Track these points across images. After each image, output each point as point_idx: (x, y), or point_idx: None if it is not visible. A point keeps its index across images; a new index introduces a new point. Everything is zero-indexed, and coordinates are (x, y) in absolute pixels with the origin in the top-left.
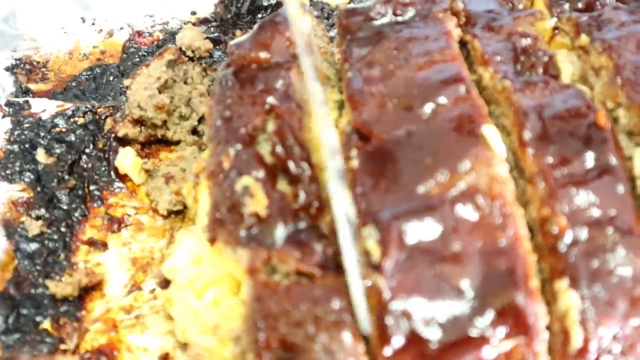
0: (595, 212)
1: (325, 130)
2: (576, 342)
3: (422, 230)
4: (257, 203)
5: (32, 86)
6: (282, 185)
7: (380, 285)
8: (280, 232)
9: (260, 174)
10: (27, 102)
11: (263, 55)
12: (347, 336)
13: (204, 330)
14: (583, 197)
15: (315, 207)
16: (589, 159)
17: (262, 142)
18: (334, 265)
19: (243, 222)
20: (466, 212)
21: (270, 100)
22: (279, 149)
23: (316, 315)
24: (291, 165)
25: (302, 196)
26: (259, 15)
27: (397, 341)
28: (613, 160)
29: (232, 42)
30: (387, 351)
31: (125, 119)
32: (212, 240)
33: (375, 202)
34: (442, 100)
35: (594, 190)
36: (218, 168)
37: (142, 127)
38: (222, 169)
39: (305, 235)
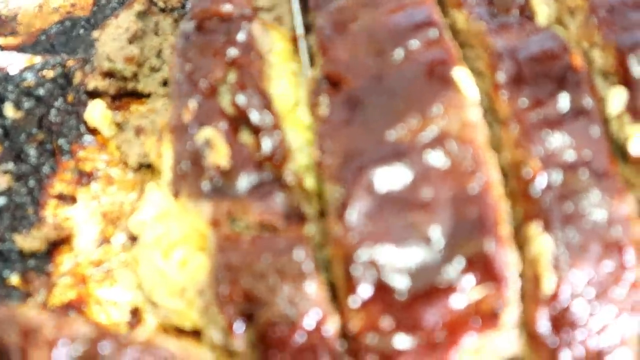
0: (570, 155)
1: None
2: (548, 286)
3: (391, 178)
4: (218, 154)
5: (1, 40)
6: (245, 136)
7: (347, 234)
8: (243, 183)
9: (222, 125)
10: None
11: (225, 8)
12: (311, 287)
13: (171, 292)
14: (557, 140)
15: (279, 157)
16: (564, 101)
17: (223, 94)
18: (298, 216)
19: (205, 174)
20: (437, 158)
21: (232, 52)
22: (240, 99)
23: (279, 267)
24: (253, 115)
25: (265, 146)
26: None
27: (364, 291)
28: (588, 101)
29: None
30: (354, 301)
31: (95, 72)
32: (176, 195)
33: (344, 149)
34: (414, 44)
35: (569, 133)
36: (179, 122)
37: (112, 80)
38: (183, 122)
39: (268, 187)
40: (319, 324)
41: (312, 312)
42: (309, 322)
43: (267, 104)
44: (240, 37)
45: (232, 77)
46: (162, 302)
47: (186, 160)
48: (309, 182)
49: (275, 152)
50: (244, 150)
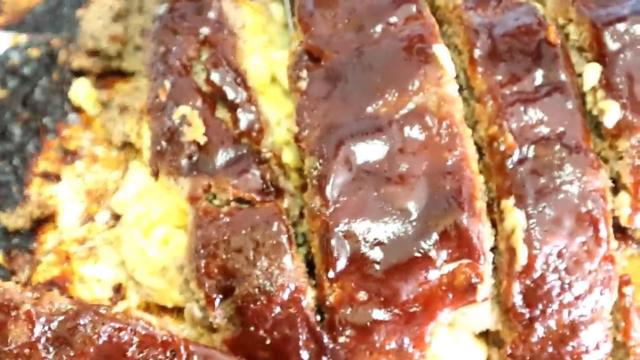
0: (544, 130)
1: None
2: (521, 260)
3: (368, 151)
4: (195, 131)
5: None
6: (221, 113)
7: (324, 207)
8: (220, 159)
9: (198, 102)
10: None
11: None
12: (287, 259)
13: (152, 272)
14: (531, 115)
15: (256, 132)
16: (539, 76)
17: (198, 72)
18: (275, 190)
19: (183, 152)
20: (414, 132)
21: (204, 30)
22: (214, 76)
23: (256, 240)
24: (228, 91)
25: (241, 121)
26: None
27: (341, 263)
28: (563, 76)
29: None
30: (331, 273)
31: (79, 50)
32: (155, 173)
33: (322, 123)
34: (393, 19)
35: (543, 108)
36: (155, 101)
37: (97, 58)
38: (160, 102)
39: (245, 162)
40: (296, 297)
41: (289, 284)
42: (286, 294)
43: (241, 79)
44: (211, 15)
45: (205, 55)
46: (144, 280)
47: (164, 139)
48: (288, 156)
49: (252, 127)
50: (221, 126)
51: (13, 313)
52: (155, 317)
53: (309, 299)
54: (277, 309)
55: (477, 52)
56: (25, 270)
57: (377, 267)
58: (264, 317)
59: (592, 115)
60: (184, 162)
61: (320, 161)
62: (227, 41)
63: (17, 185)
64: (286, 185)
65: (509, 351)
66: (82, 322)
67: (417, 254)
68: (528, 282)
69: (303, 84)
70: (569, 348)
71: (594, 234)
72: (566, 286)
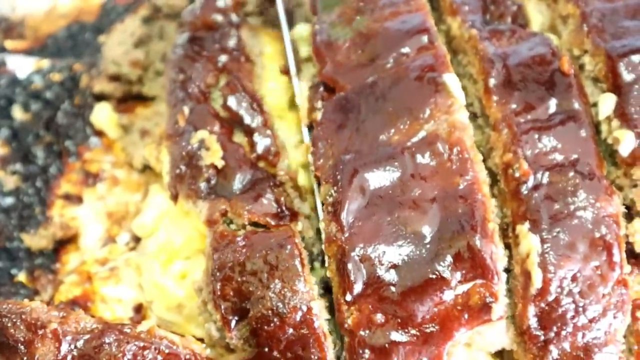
0: (558, 157)
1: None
2: (536, 283)
3: (382, 178)
4: (213, 155)
5: (9, 44)
6: (239, 137)
7: (340, 232)
8: (237, 182)
9: (216, 127)
10: (3, 59)
11: (214, 17)
12: (299, 282)
13: (169, 307)
14: (545, 142)
15: (272, 154)
16: (553, 105)
17: (215, 98)
18: (289, 213)
19: (201, 175)
20: (426, 158)
21: (222, 58)
22: (231, 102)
23: (269, 263)
24: (244, 116)
25: (258, 145)
26: None
27: (358, 286)
28: (576, 105)
29: (184, 11)
30: (349, 296)
31: (101, 75)
32: (175, 197)
33: (337, 152)
34: (406, 50)
35: (557, 135)
36: (174, 127)
37: (118, 83)
38: (179, 127)
39: (260, 186)
40: (309, 318)
41: (302, 306)
42: (298, 316)
43: (257, 104)
44: (230, 43)
45: (222, 81)
46: (161, 314)
47: (182, 163)
48: (303, 179)
49: (268, 150)
50: (239, 150)
51: (40, 332)
52: (179, 337)
53: (322, 321)
54: (290, 331)
55: (492, 81)
56: (48, 290)
57: (393, 289)
58: (278, 339)
59: (606, 143)
60: (203, 185)
61: (335, 188)
62: (244, 68)
63: (40, 206)
64: (301, 207)
65: None
66: (107, 340)
67: (432, 276)
68: (543, 304)
69: (318, 115)
70: None
71: (608, 259)
72: (580, 309)
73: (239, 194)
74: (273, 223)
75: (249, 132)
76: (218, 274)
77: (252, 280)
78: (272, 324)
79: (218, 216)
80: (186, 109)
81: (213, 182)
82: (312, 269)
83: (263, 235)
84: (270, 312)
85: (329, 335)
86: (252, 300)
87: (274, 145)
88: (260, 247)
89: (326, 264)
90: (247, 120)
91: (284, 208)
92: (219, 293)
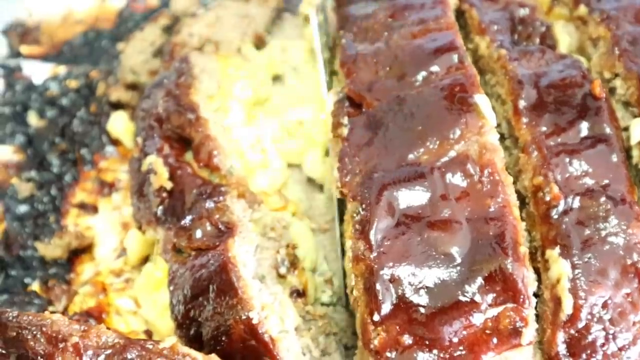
0: (589, 181)
1: None
2: (567, 309)
3: (411, 197)
4: (160, 177)
5: (25, 49)
6: (189, 155)
7: (368, 251)
8: (188, 202)
9: (165, 150)
10: (19, 64)
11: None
12: (236, 296)
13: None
14: (576, 166)
15: (211, 157)
16: (584, 128)
17: (164, 125)
18: (227, 229)
19: (155, 200)
20: (456, 179)
21: (170, 85)
22: (174, 119)
23: (210, 283)
24: (185, 127)
25: (202, 156)
26: None
27: (386, 307)
28: (607, 129)
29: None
30: (376, 316)
31: (118, 84)
32: (139, 227)
33: (364, 169)
34: (435, 68)
35: (588, 159)
36: (133, 160)
37: (135, 92)
38: (133, 159)
39: (201, 205)
40: (253, 329)
41: (243, 318)
42: (242, 329)
43: (194, 113)
44: (176, 65)
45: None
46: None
47: (138, 193)
48: (263, 181)
49: (208, 154)
50: (186, 168)
51: (61, 345)
52: (202, 354)
53: (268, 327)
54: (240, 345)
55: (522, 103)
56: (62, 300)
57: (422, 310)
58: (232, 356)
59: (637, 169)
60: (159, 210)
61: (363, 206)
62: (183, 85)
63: (55, 215)
64: (253, 214)
65: None
66: (129, 356)
67: (462, 298)
68: (572, 331)
69: (344, 130)
70: None
71: (639, 286)
72: (610, 337)
73: (182, 222)
74: (212, 244)
75: (196, 148)
76: (174, 300)
77: (199, 303)
78: (222, 343)
79: (169, 248)
80: (139, 140)
81: (166, 203)
82: (281, 276)
83: (203, 258)
84: (216, 331)
85: (281, 339)
86: (202, 323)
87: (208, 147)
88: (201, 270)
89: (292, 270)
90: (187, 131)
91: (220, 227)
92: (177, 319)
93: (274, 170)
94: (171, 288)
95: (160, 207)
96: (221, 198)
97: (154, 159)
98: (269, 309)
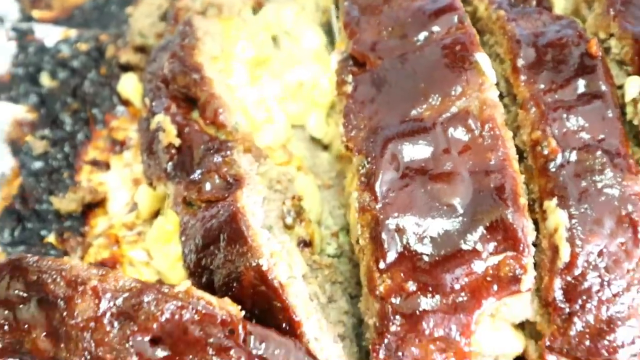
0: (585, 136)
1: None
2: (564, 257)
3: (414, 151)
4: (168, 135)
5: (36, 13)
6: (195, 114)
7: (374, 201)
8: (196, 157)
9: (173, 109)
10: (31, 28)
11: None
12: (246, 244)
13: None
14: (573, 121)
15: (217, 115)
16: (580, 86)
17: (170, 85)
18: (234, 181)
19: (165, 157)
20: (458, 133)
21: (176, 47)
22: (180, 79)
23: (221, 233)
24: (191, 87)
25: (206, 111)
26: None
27: (391, 255)
28: (603, 87)
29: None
30: (382, 264)
31: (127, 46)
32: (151, 183)
33: (369, 124)
34: (436, 28)
35: (584, 115)
36: (142, 120)
37: (144, 54)
38: (142, 119)
39: (210, 160)
40: (262, 275)
41: (253, 265)
42: (252, 276)
43: (198, 74)
44: (180, 27)
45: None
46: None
47: (148, 150)
48: (268, 137)
49: (214, 112)
50: (194, 125)
51: (80, 288)
52: (216, 298)
53: (276, 273)
54: (250, 290)
55: (520, 61)
56: (77, 252)
57: (426, 259)
58: (244, 301)
59: (631, 124)
60: (169, 166)
61: (368, 159)
62: (187, 47)
63: (68, 171)
64: (260, 167)
65: (547, 343)
66: (146, 299)
67: (465, 247)
68: (569, 278)
69: (349, 88)
70: (606, 342)
71: (633, 236)
72: (605, 284)
73: (192, 176)
74: (222, 195)
75: (201, 107)
76: (186, 249)
77: (211, 252)
78: (233, 289)
79: (180, 201)
80: (147, 101)
81: (175, 159)
82: (288, 227)
83: (213, 209)
84: (227, 278)
85: (289, 285)
86: (214, 270)
87: (213, 104)
88: (211, 220)
89: (298, 221)
90: (193, 90)
91: (229, 180)
92: (189, 268)
93: (278, 126)
94: (183, 239)
95: (170, 163)
96: (228, 152)
97: (162, 118)
98: (278, 256)
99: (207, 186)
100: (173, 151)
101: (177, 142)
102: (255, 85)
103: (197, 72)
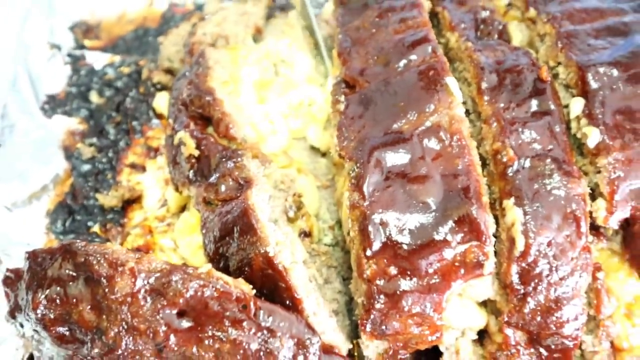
0: (537, 146)
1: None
2: (519, 247)
3: (396, 157)
4: (189, 148)
5: (87, 42)
6: (210, 129)
7: (362, 200)
8: (213, 164)
9: (191, 126)
10: (83, 54)
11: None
12: (256, 234)
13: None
14: (527, 134)
15: (228, 129)
16: (533, 105)
17: (189, 107)
18: (245, 182)
19: (186, 165)
20: (431, 143)
21: (192, 76)
22: (196, 101)
23: (235, 225)
24: (205, 107)
25: (221, 129)
26: None
27: (376, 244)
28: (552, 106)
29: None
30: (369, 252)
31: (158, 69)
32: (177, 188)
33: (358, 136)
34: (413, 57)
35: (536, 129)
36: (167, 137)
37: (172, 76)
38: (168, 136)
39: (224, 166)
40: (269, 260)
41: (262, 252)
42: (261, 261)
43: (211, 96)
44: (199, 63)
45: (189, 91)
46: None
47: (173, 161)
48: (274, 145)
49: (226, 127)
50: (209, 139)
51: (120, 269)
52: (232, 278)
53: (281, 258)
54: (259, 274)
55: (484, 84)
56: (117, 240)
57: (405, 247)
58: (254, 282)
59: (575, 137)
60: (191, 173)
61: (358, 165)
62: (201, 74)
63: (111, 172)
64: (265, 170)
65: (506, 319)
66: (174, 278)
67: (437, 237)
68: (524, 264)
69: (341, 106)
70: (554, 318)
71: (576, 229)
72: (553, 269)
73: (209, 180)
74: (235, 195)
75: (216, 123)
76: (206, 241)
77: (226, 242)
78: (245, 272)
79: (201, 201)
80: (171, 120)
81: (196, 167)
82: (291, 220)
83: (228, 206)
84: (240, 263)
85: (292, 269)
86: (229, 258)
87: (225, 121)
88: (227, 216)
89: (300, 215)
90: (207, 110)
91: (240, 182)
92: (209, 256)
93: (280, 136)
94: (204, 231)
95: (191, 171)
96: (239, 159)
97: (183, 134)
98: (282, 244)
99: (223, 188)
100: (193, 160)
101: (196, 152)
102: (262, 104)
103: (209, 95)
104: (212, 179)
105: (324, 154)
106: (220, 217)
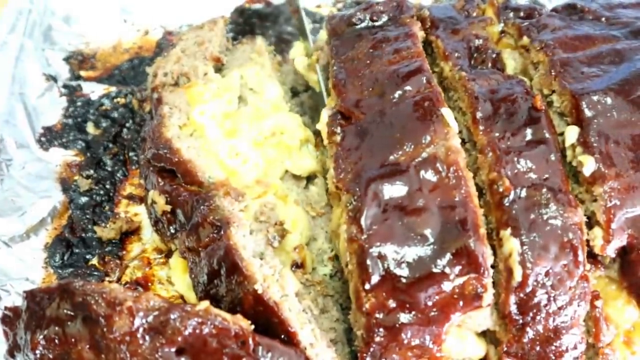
0: (533, 176)
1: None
2: (517, 277)
3: (393, 190)
4: (160, 205)
5: (83, 73)
6: (179, 179)
7: (360, 233)
8: (188, 214)
9: (160, 182)
10: (79, 85)
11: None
12: (241, 273)
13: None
14: (523, 164)
15: (191, 177)
16: (528, 134)
17: (153, 166)
18: (221, 224)
19: (165, 222)
20: (428, 175)
21: (146, 129)
22: (155, 156)
23: (221, 266)
24: (168, 164)
25: (186, 178)
26: (267, 23)
27: (375, 278)
28: (547, 134)
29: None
30: (367, 285)
31: (146, 99)
32: (165, 247)
33: (354, 168)
34: (408, 88)
35: (531, 158)
36: (145, 199)
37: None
38: (145, 196)
39: (198, 212)
40: (259, 297)
41: (250, 290)
42: (251, 299)
43: (168, 146)
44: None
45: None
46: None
47: (154, 222)
48: (246, 178)
49: (192, 177)
50: (178, 189)
51: (118, 308)
52: (230, 315)
53: (271, 294)
54: (252, 312)
55: (478, 114)
56: (116, 272)
57: (404, 280)
58: (251, 319)
59: (571, 165)
60: (171, 228)
61: (355, 197)
62: (158, 126)
63: (109, 204)
64: (242, 204)
65: (505, 348)
66: (172, 316)
67: (435, 270)
68: (522, 295)
69: (338, 138)
70: (553, 347)
71: (574, 258)
72: (552, 299)
73: (188, 229)
74: (216, 237)
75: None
76: (194, 284)
77: (215, 285)
78: (238, 311)
79: (184, 249)
80: (142, 181)
81: (174, 222)
82: (277, 250)
83: (210, 249)
84: (232, 304)
85: (283, 302)
86: (220, 299)
87: (187, 169)
88: (211, 258)
89: (288, 245)
90: (168, 164)
91: (216, 223)
92: (199, 296)
93: (251, 165)
94: (192, 276)
95: (171, 227)
96: (211, 201)
97: (152, 193)
98: (270, 279)
99: (202, 234)
100: (169, 215)
101: (168, 208)
102: (231, 137)
103: (166, 148)
104: (190, 228)
105: (309, 179)
106: (205, 261)
